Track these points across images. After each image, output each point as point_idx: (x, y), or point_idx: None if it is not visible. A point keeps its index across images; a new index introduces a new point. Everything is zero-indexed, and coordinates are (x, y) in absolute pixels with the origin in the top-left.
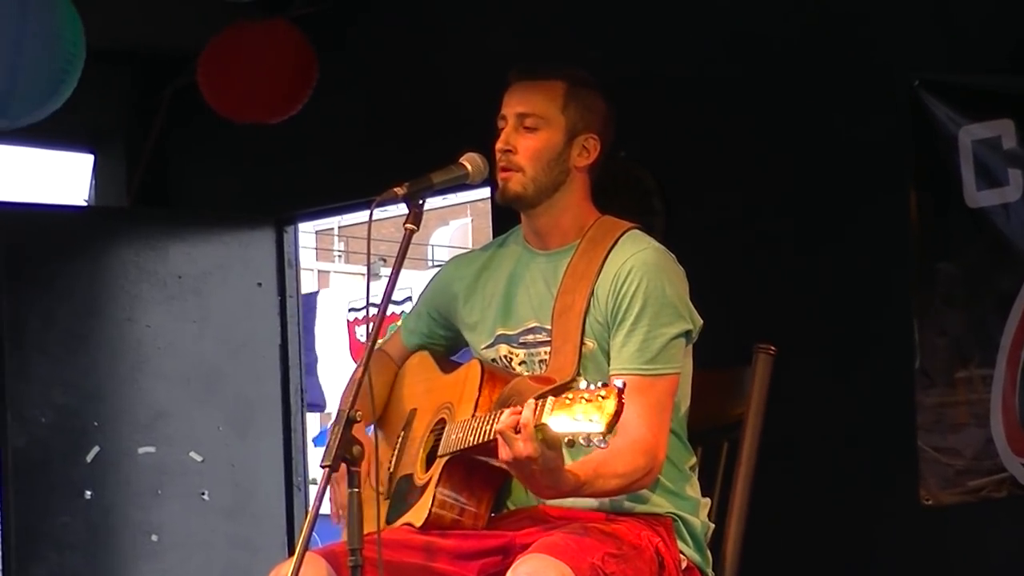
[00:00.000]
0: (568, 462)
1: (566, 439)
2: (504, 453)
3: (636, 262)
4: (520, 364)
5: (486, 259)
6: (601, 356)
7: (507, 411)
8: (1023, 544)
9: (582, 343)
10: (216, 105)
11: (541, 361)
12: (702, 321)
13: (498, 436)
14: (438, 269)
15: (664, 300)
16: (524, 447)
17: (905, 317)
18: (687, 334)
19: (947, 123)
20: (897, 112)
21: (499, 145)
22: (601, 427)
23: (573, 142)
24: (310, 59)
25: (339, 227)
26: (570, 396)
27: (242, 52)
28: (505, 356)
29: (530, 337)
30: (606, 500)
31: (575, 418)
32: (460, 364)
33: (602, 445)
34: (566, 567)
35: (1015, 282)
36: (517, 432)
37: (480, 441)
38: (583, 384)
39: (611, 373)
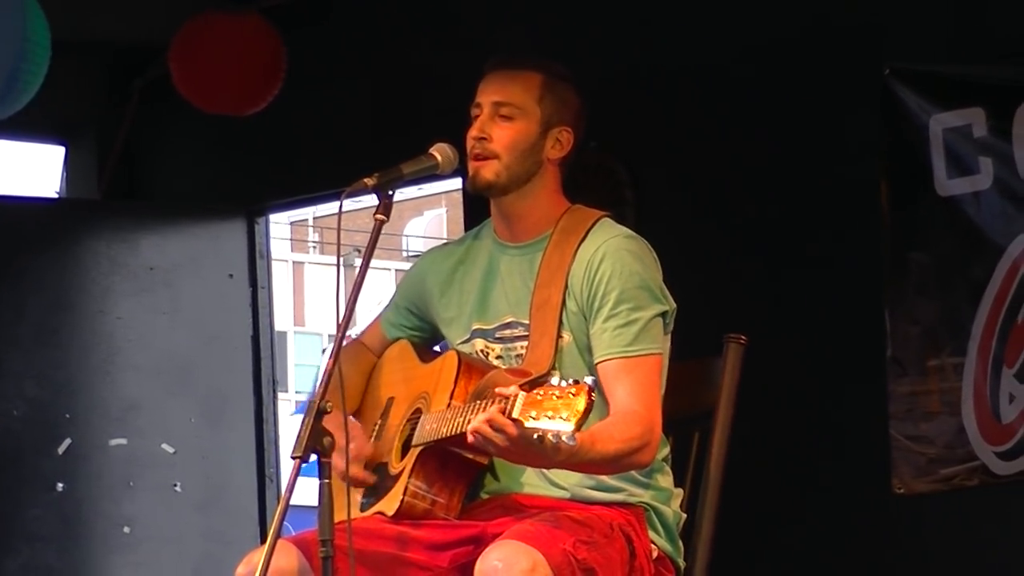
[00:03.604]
0: None
1: (535, 435)
2: (492, 450)
3: (608, 248)
4: (496, 359)
5: (461, 253)
6: (576, 350)
7: (479, 415)
8: (995, 532)
9: (558, 336)
10: (186, 94)
11: (518, 356)
12: (676, 305)
13: (475, 439)
14: (413, 262)
15: (639, 283)
16: (506, 436)
17: (877, 306)
18: (664, 315)
19: (918, 112)
20: (868, 101)
21: (473, 133)
22: (571, 425)
23: (547, 134)
24: (279, 51)
25: (314, 218)
26: (541, 393)
27: (211, 43)
28: (481, 351)
29: (507, 332)
30: (578, 489)
31: (545, 414)
32: (440, 354)
33: (571, 443)
34: (537, 553)
35: (986, 270)
36: (493, 428)
37: (453, 433)
38: (555, 380)
39: (595, 361)
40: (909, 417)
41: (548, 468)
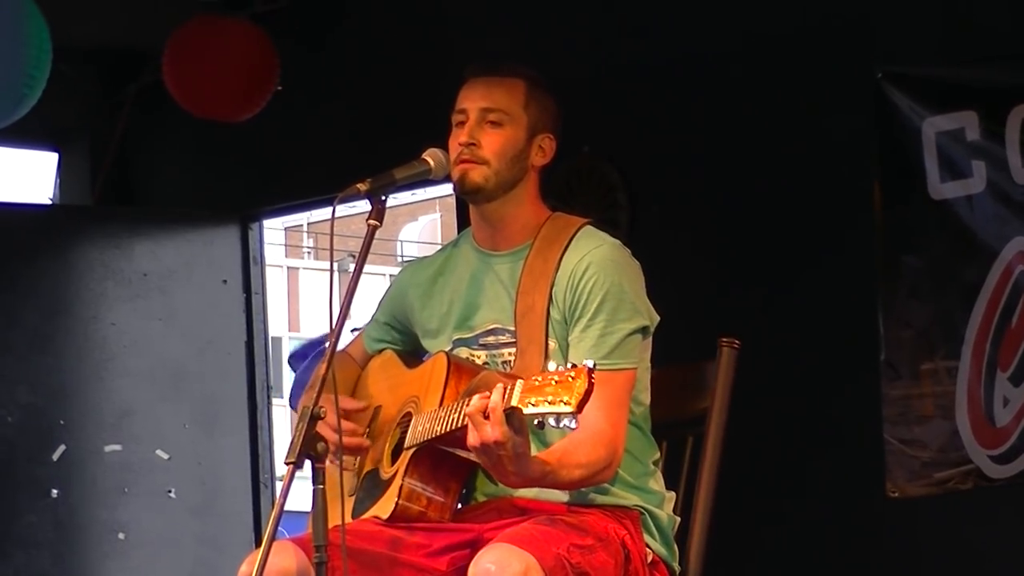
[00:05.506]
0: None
1: (536, 420)
2: (472, 438)
3: (593, 259)
4: (482, 366)
5: (440, 264)
6: (562, 356)
7: (476, 396)
8: (989, 535)
9: (547, 343)
10: (179, 99)
11: (504, 362)
12: (659, 317)
13: (467, 420)
14: (394, 278)
15: (622, 296)
16: (492, 431)
17: (870, 310)
18: (644, 329)
19: (910, 115)
20: (861, 105)
21: (462, 139)
22: (571, 407)
23: (533, 140)
24: (271, 57)
25: (308, 223)
26: (539, 378)
27: (204, 48)
28: (466, 359)
29: (491, 339)
30: (574, 492)
31: (545, 399)
32: (425, 360)
33: (572, 425)
34: (530, 557)
35: (979, 274)
36: (486, 417)
37: (447, 430)
38: (552, 366)
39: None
40: (903, 420)
41: (519, 485)
